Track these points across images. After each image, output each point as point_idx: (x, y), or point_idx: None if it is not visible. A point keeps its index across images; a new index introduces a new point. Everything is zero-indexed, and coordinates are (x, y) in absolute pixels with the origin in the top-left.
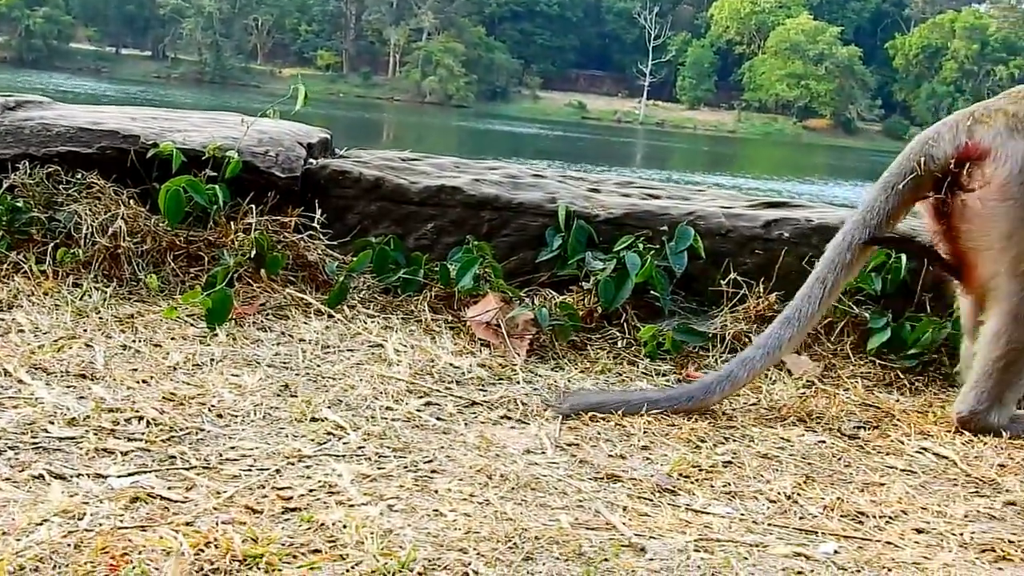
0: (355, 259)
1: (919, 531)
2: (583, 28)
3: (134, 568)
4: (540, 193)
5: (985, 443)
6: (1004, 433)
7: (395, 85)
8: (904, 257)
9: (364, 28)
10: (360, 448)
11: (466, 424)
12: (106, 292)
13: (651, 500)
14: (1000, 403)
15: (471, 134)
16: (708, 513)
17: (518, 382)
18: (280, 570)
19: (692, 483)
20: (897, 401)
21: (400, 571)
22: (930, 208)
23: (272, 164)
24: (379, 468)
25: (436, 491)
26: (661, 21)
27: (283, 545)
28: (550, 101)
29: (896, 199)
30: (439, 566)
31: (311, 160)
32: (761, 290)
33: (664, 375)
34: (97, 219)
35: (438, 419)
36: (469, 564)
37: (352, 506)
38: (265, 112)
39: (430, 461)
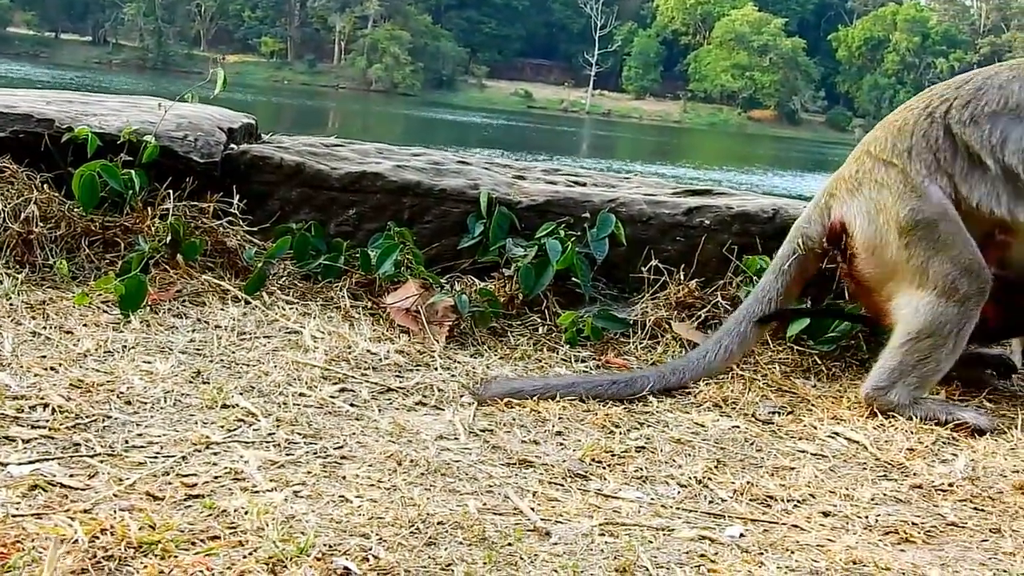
0: (274, 245)
1: (825, 514)
2: (530, 17)
3: (24, 556)
4: (463, 180)
5: (896, 427)
6: (905, 413)
7: (341, 73)
8: None
9: (309, 15)
10: (270, 435)
11: (380, 410)
12: (17, 279)
13: (562, 485)
14: (903, 383)
15: (417, 123)
16: (618, 498)
17: (436, 368)
18: (176, 556)
19: (604, 468)
20: (814, 387)
21: (298, 556)
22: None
23: (191, 149)
24: (288, 455)
25: (344, 477)
26: (607, 11)
27: (181, 532)
28: (497, 90)
29: (785, 279)
30: (339, 551)
31: (232, 145)
32: (682, 277)
33: (584, 361)
34: (9, 204)
35: (352, 405)
36: (370, 549)
37: (256, 492)
38: (183, 96)
39: (340, 447)
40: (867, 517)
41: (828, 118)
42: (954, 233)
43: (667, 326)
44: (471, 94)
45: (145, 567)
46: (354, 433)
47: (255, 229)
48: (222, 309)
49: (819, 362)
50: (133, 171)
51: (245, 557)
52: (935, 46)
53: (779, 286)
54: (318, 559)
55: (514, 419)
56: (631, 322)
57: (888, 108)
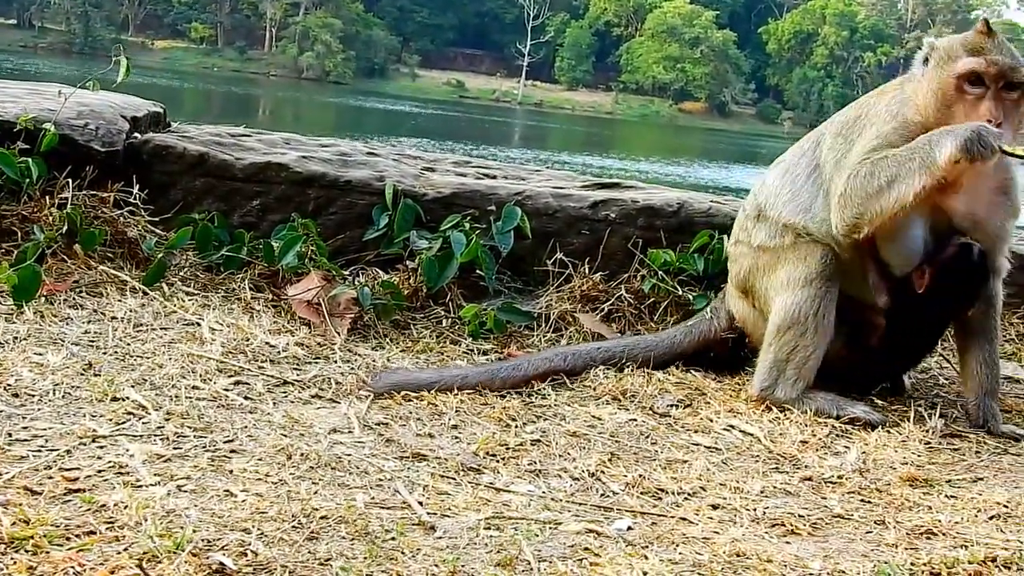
0: (175, 235)
1: (715, 507)
2: (462, 7)
3: None
4: (369, 171)
5: (791, 420)
6: (795, 407)
7: (272, 60)
8: (725, 239)
9: (240, 1)
10: (159, 428)
11: (274, 403)
12: None
13: (454, 479)
14: (784, 378)
15: (348, 111)
16: (509, 491)
17: (335, 361)
18: (48, 552)
19: (498, 462)
20: (714, 379)
21: (175, 551)
22: None
23: (91, 138)
24: (175, 448)
25: (231, 471)
26: (540, 1)
27: (56, 527)
28: (429, 79)
29: (694, 340)
30: (217, 546)
31: (135, 134)
32: (587, 270)
33: (486, 354)
34: None
35: (246, 398)
36: (249, 544)
37: (139, 487)
38: (84, 84)
39: (230, 441)
40: (755, 510)
41: (758, 110)
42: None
43: (571, 319)
44: (403, 83)
45: (15, 563)
46: (246, 426)
47: (157, 219)
48: (120, 300)
49: (718, 355)
50: (31, 159)
51: (119, 553)
52: (863, 40)
53: (685, 343)
54: (193, 554)
55: (410, 412)
56: (535, 315)
57: (817, 101)
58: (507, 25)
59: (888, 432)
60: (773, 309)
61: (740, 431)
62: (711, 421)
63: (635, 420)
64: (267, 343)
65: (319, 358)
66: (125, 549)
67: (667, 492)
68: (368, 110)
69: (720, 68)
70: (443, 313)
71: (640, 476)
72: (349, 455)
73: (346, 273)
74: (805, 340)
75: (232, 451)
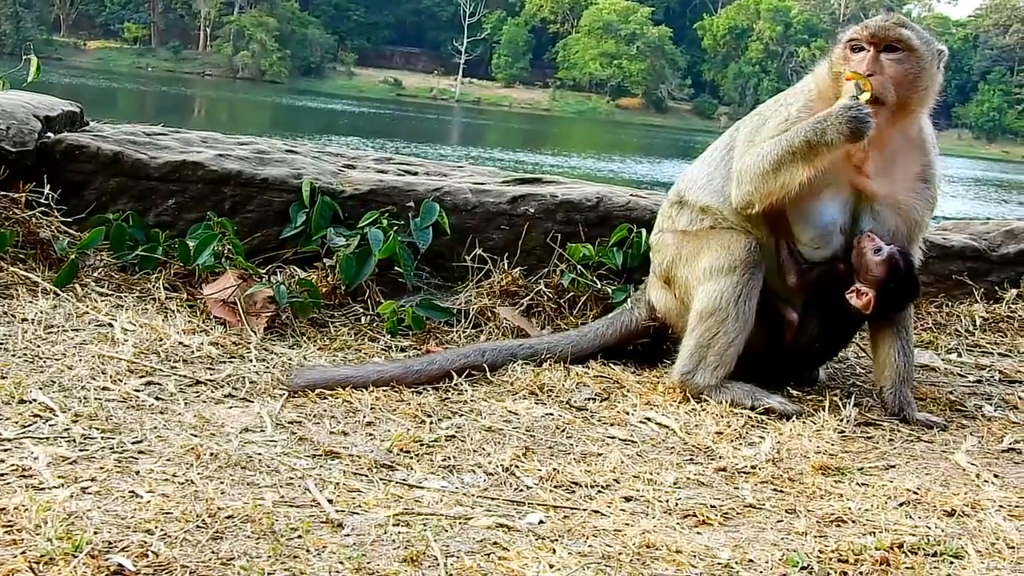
0: (87, 235)
1: (627, 499)
2: (398, 4)
3: None
4: (286, 169)
5: (707, 412)
6: (713, 396)
7: (207, 60)
8: (644, 233)
9: (173, 0)
10: (66, 430)
11: (186, 403)
12: None
13: (366, 476)
14: (704, 364)
15: (285, 111)
16: (421, 487)
17: (250, 360)
18: None
19: (412, 458)
20: (633, 373)
21: (72, 553)
22: None
23: (2, 138)
24: (81, 450)
25: (138, 472)
26: None
27: None
28: (366, 78)
29: (616, 331)
30: (117, 547)
31: (48, 134)
32: (506, 265)
33: (404, 351)
34: None
35: (157, 399)
36: (150, 545)
37: (41, 489)
38: None
39: (139, 442)
40: (668, 501)
41: (694, 106)
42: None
43: (491, 314)
44: (340, 82)
45: None
46: (155, 427)
47: (71, 220)
48: (31, 302)
49: (640, 348)
50: None
51: (15, 556)
52: (797, 35)
53: (608, 334)
54: (92, 556)
55: (325, 410)
56: (454, 311)
57: (752, 95)
58: (444, 23)
59: (803, 422)
60: (696, 297)
61: (656, 423)
62: (628, 414)
63: (552, 414)
64: (181, 343)
65: (234, 357)
66: (21, 552)
67: (580, 485)
68: (304, 109)
69: (656, 64)
70: (361, 310)
71: (554, 470)
72: (260, 454)
73: (263, 271)
74: (727, 327)
75: (140, 452)
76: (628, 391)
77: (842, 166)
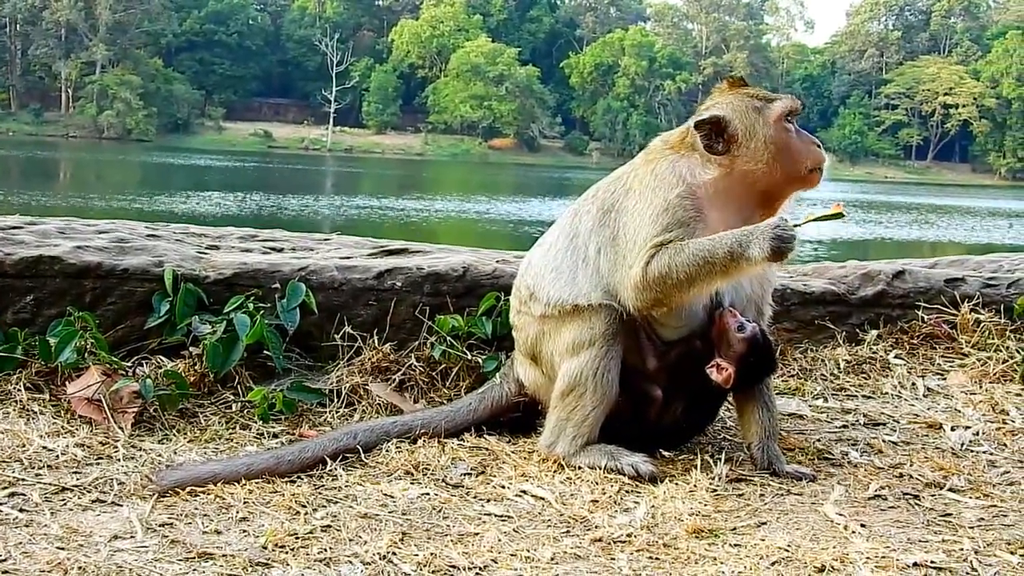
0: None
1: None
2: (264, 56)
3: None
4: (147, 257)
5: (582, 479)
6: (572, 462)
7: (70, 121)
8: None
9: (31, 63)
10: None
11: (52, 513)
12: None
13: None
14: (564, 435)
15: (154, 169)
16: None
17: (118, 460)
18: None
19: (287, 553)
20: (508, 443)
21: None
22: None
23: None
24: None
25: None
26: (343, 47)
27: None
28: (235, 131)
29: (488, 407)
30: None
31: None
32: (376, 341)
33: (277, 436)
34: None
35: (21, 511)
36: None
37: None
38: None
39: (3, 560)
40: None
41: (566, 143)
42: None
43: (364, 392)
44: (208, 137)
45: None
46: (20, 542)
47: None
48: None
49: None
50: None
51: None
52: (662, 69)
53: (480, 409)
54: None
55: (197, 508)
56: (326, 391)
57: (622, 130)
58: (311, 72)
59: (676, 484)
60: (559, 374)
61: (532, 496)
62: (504, 487)
63: (427, 494)
64: (44, 447)
65: (101, 458)
66: None
67: (459, 568)
68: (173, 166)
69: (526, 104)
70: (232, 398)
71: (432, 554)
72: (130, 563)
73: (128, 365)
74: (584, 400)
75: (4, 572)
76: (503, 463)
77: None
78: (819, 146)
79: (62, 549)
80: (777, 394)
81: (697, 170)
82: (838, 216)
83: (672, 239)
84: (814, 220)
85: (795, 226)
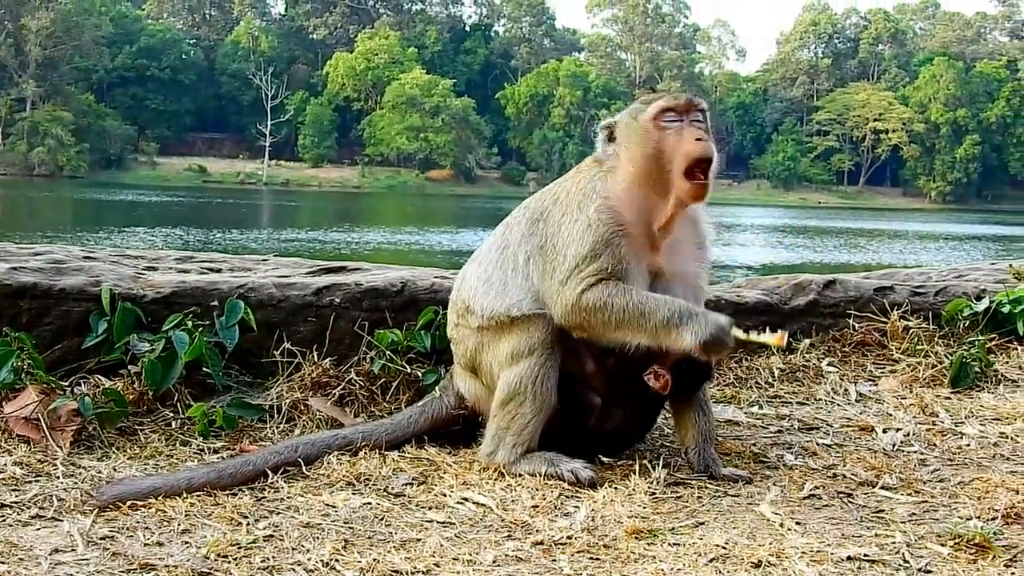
0: None
1: None
2: (198, 91)
3: None
4: (84, 277)
5: (522, 486)
6: (512, 469)
7: (0, 159)
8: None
9: None
10: None
11: None
12: None
13: None
14: (503, 444)
15: (87, 205)
16: None
17: (57, 477)
18: None
19: (230, 563)
20: (449, 453)
21: None
22: None
23: None
24: None
25: None
26: (277, 81)
27: None
28: (169, 166)
29: (428, 419)
30: None
31: None
32: (315, 357)
33: (217, 452)
34: None
35: None
36: None
37: None
38: None
39: None
40: None
41: (503, 173)
42: None
43: (304, 407)
44: (142, 172)
45: None
46: None
47: None
48: None
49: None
50: None
51: None
52: (597, 99)
53: (419, 421)
54: None
55: (138, 522)
56: (266, 407)
57: (559, 160)
58: (246, 106)
59: (615, 488)
60: (498, 384)
61: (474, 503)
62: (445, 496)
63: (370, 503)
64: None
65: (40, 475)
66: None
67: (402, 573)
68: (109, 203)
69: (462, 135)
70: (171, 415)
71: (375, 560)
72: (72, 575)
73: (66, 384)
74: (524, 409)
75: None
76: (445, 472)
77: (642, 250)
78: (700, 140)
79: (2, 564)
80: (713, 402)
81: (609, 181)
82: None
83: (608, 267)
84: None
85: (737, 337)
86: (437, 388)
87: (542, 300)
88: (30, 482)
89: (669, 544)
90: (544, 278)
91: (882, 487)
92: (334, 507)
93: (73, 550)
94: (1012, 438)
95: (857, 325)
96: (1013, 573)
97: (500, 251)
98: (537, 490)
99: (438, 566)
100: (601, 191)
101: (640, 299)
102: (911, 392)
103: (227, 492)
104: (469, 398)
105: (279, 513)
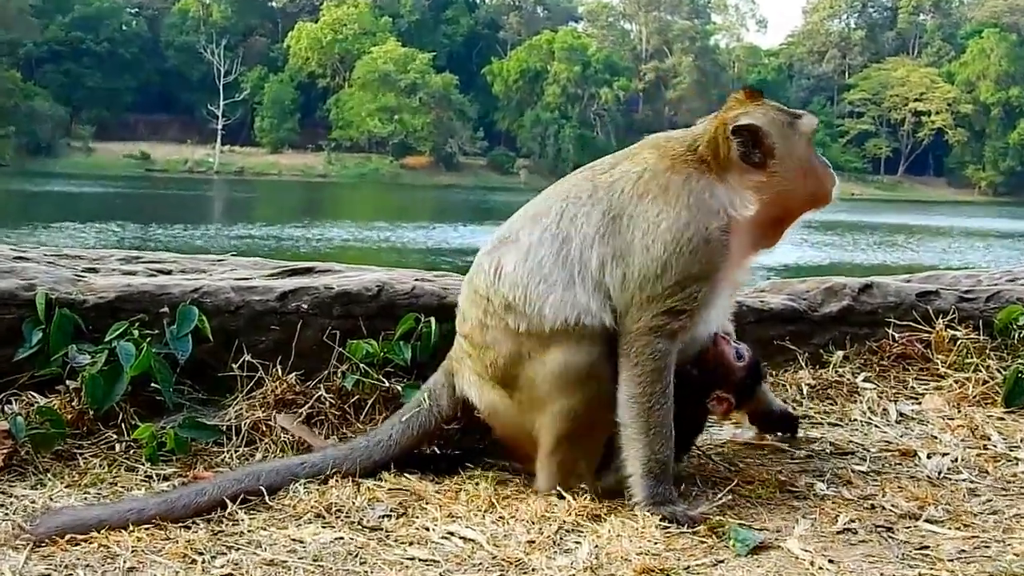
0: None
1: None
2: (140, 67)
3: None
4: (15, 280)
5: (516, 519)
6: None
7: None
8: (434, 322)
9: None
10: None
11: None
12: None
13: None
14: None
15: (12, 197)
16: None
17: None
18: None
19: None
20: (432, 481)
21: None
22: None
23: None
24: None
25: None
26: (231, 55)
27: None
28: (107, 153)
29: (414, 434)
30: None
31: None
32: (279, 371)
33: (168, 479)
34: None
35: None
36: None
37: None
38: None
39: None
40: None
41: (489, 160)
42: None
43: (266, 428)
44: (76, 159)
45: None
46: None
47: None
48: None
49: (438, 452)
50: None
51: None
52: (598, 75)
53: (401, 435)
54: None
55: (78, 559)
56: (223, 428)
57: (554, 145)
58: (195, 84)
59: (622, 521)
60: (557, 407)
61: (461, 537)
62: (428, 529)
63: (342, 538)
64: None
65: None
66: None
67: None
68: (38, 194)
69: (443, 116)
70: (115, 437)
71: None
72: None
73: None
74: (594, 436)
75: None
76: (427, 503)
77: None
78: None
79: None
80: (732, 423)
81: (737, 200)
82: None
83: (681, 307)
84: None
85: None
86: (424, 396)
87: (617, 313)
88: None
89: None
90: (624, 290)
91: (926, 520)
92: (301, 542)
93: None
94: None
95: (897, 335)
96: None
97: (559, 243)
98: (533, 524)
99: None
100: (728, 208)
101: (661, 413)
102: (959, 412)
103: (180, 525)
104: (484, 410)
105: (239, 549)
